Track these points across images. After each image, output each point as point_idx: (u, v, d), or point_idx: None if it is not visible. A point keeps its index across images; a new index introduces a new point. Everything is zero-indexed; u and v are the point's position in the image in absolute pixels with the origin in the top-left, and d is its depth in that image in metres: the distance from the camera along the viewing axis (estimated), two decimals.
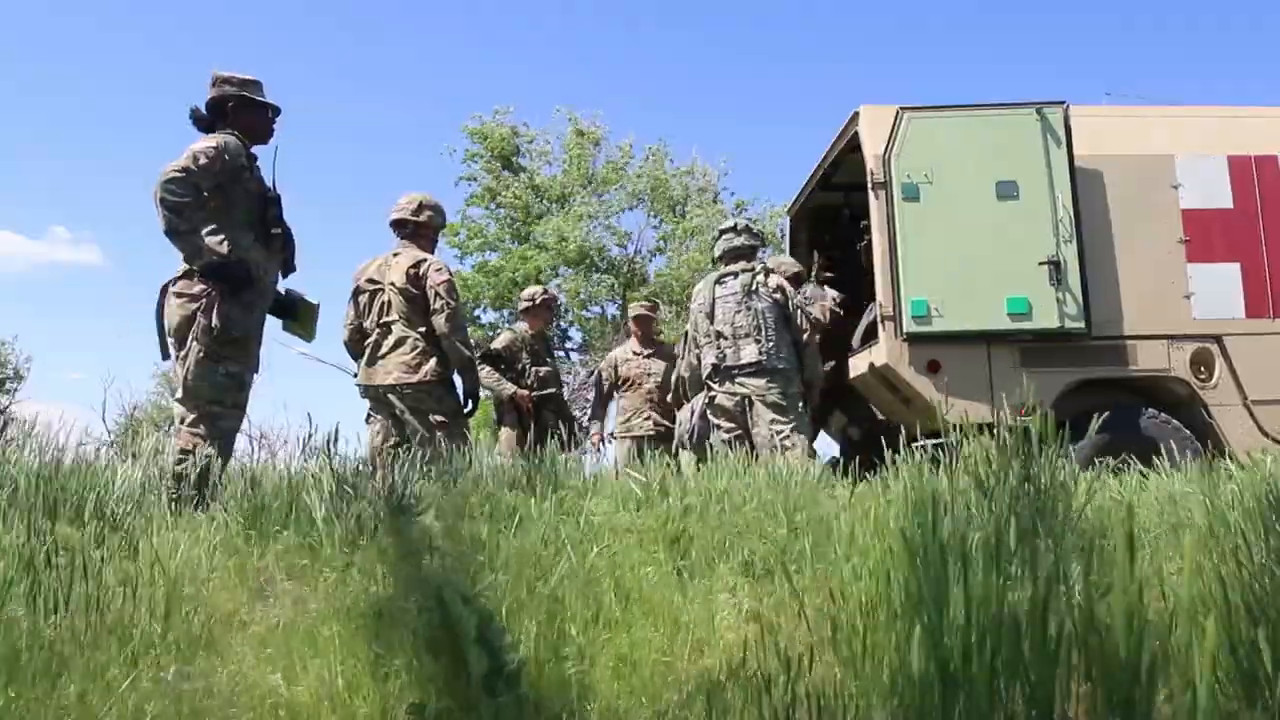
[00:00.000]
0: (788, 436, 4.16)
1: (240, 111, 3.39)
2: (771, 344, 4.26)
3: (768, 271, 4.48)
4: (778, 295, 4.40)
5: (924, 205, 4.71)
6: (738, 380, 4.29)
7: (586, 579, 1.85)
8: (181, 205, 3.08)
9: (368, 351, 4.11)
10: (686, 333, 4.65)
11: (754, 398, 4.24)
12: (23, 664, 1.41)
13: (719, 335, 4.35)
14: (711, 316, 4.39)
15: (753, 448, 4.14)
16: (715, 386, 4.37)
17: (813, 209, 6.42)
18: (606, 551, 2.06)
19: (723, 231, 4.66)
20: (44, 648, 1.47)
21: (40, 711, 1.31)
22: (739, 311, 4.33)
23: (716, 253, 4.63)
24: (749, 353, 4.26)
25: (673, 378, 5.00)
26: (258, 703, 1.39)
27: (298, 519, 2.31)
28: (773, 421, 4.19)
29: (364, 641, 1.54)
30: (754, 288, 4.36)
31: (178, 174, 3.07)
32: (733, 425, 4.33)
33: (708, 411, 4.42)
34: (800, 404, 4.35)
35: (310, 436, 2.64)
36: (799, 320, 4.40)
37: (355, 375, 4.23)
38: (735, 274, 4.42)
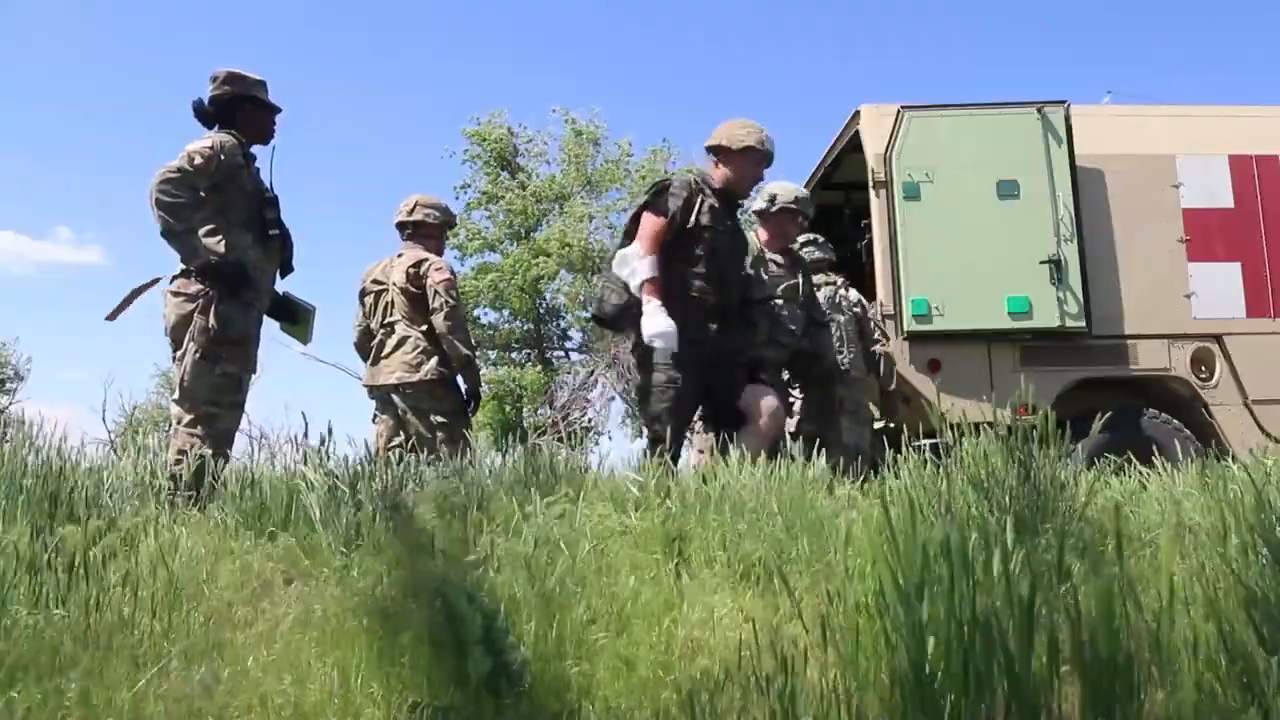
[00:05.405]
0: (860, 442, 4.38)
1: (251, 113, 3.39)
2: (851, 355, 4.47)
3: (847, 285, 4.70)
4: (857, 309, 4.60)
5: (925, 204, 4.72)
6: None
7: (584, 579, 1.85)
8: (176, 206, 3.07)
9: (373, 351, 4.14)
10: None
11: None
12: (24, 663, 1.41)
13: None
14: None
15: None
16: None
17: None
18: (605, 551, 2.06)
19: (804, 244, 4.69)
20: (45, 647, 1.47)
21: (43, 711, 1.32)
22: None
23: None
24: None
25: None
26: (263, 702, 1.39)
27: (297, 518, 2.31)
28: (849, 429, 4.37)
29: (368, 641, 1.54)
30: (837, 300, 4.55)
31: (172, 175, 3.07)
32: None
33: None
34: (866, 410, 4.58)
35: (304, 435, 2.62)
36: (874, 331, 4.61)
37: (360, 377, 4.27)
38: (818, 286, 4.52)
